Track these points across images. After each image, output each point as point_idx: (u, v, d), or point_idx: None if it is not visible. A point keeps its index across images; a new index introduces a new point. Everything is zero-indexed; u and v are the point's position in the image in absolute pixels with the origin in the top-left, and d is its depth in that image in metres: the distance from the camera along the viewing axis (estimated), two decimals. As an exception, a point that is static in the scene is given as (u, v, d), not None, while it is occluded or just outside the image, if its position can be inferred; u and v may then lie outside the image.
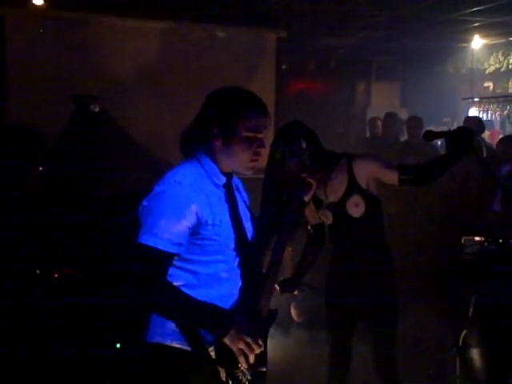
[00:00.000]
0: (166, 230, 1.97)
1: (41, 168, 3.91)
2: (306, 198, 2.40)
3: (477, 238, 3.11)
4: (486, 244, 3.06)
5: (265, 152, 2.18)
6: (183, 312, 2.02)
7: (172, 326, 2.05)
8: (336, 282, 3.19)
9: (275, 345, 4.03)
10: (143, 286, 1.95)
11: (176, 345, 2.06)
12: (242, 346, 1.98)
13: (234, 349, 1.99)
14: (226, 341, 1.99)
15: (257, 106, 2.12)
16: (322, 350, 4.11)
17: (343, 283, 3.13)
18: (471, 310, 2.97)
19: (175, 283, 2.04)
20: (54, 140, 5.52)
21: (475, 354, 3.09)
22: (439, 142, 7.04)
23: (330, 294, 3.22)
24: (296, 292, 3.49)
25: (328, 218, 3.12)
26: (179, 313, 2.03)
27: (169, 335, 2.06)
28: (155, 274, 1.97)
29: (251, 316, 2.07)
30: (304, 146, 2.41)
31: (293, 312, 4.81)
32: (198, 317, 2.03)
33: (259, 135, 2.11)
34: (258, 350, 2.02)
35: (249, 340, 1.98)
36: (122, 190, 4.81)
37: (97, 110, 5.64)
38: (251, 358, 2.01)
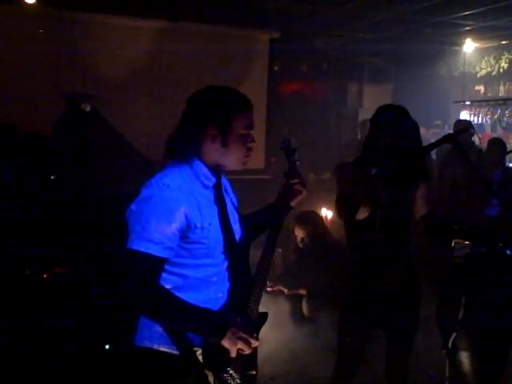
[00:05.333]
0: (157, 234, 1.94)
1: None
2: (293, 204, 2.40)
3: (466, 242, 3.11)
4: (475, 247, 3.06)
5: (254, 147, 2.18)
6: (179, 317, 2.00)
7: (159, 329, 2.03)
8: (357, 294, 3.05)
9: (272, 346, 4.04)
10: (138, 293, 1.93)
11: (163, 349, 2.04)
12: (240, 345, 1.98)
13: (232, 349, 1.98)
14: (225, 343, 1.97)
15: (246, 103, 2.13)
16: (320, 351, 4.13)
17: (364, 295, 3.00)
18: (461, 312, 2.98)
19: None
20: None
21: (465, 356, 3.09)
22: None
23: (349, 309, 3.11)
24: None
25: (363, 210, 2.89)
26: (176, 318, 2.00)
27: (156, 339, 2.05)
28: (150, 280, 1.95)
29: (241, 319, 2.06)
30: (294, 145, 2.38)
31: (304, 307, 4.84)
32: (195, 322, 2.01)
33: (251, 131, 2.13)
34: (255, 344, 2.02)
35: (246, 337, 1.98)
36: (112, 190, 4.79)
37: (88, 109, 5.62)
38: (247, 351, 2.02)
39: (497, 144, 6.37)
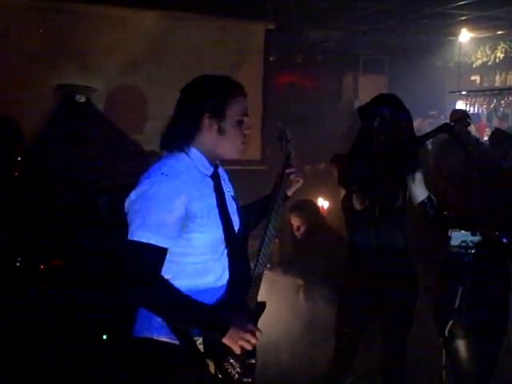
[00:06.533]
0: (159, 224, 1.94)
1: (19, 158, 3.88)
2: (290, 193, 2.41)
3: (463, 231, 3.13)
4: (471, 236, 3.08)
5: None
6: (181, 312, 2.00)
7: (158, 319, 2.02)
8: (354, 284, 3.08)
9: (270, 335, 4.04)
10: (141, 286, 1.92)
11: (164, 339, 2.03)
12: (241, 343, 1.97)
13: (234, 347, 1.97)
14: (225, 341, 1.96)
15: (239, 88, 2.13)
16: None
17: (362, 286, 3.03)
18: (457, 301, 3.00)
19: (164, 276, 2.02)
20: (38, 131, 5.48)
21: (461, 344, 3.11)
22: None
23: (347, 299, 3.14)
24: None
25: (359, 202, 3.00)
26: (177, 312, 2.00)
27: (156, 329, 2.04)
28: (152, 272, 1.95)
29: (239, 308, 2.07)
30: (290, 136, 2.39)
31: (301, 296, 4.85)
32: (197, 317, 2.00)
33: (246, 117, 2.12)
34: (255, 341, 2.01)
35: (247, 337, 1.97)
36: (107, 182, 4.79)
37: (83, 100, 5.60)
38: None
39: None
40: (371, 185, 2.97)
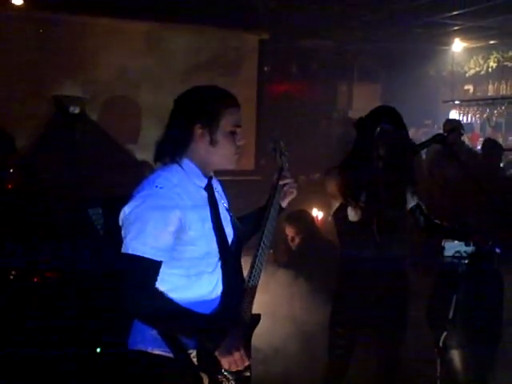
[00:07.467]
0: (153, 237, 1.93)
1: (11, 170, 3.87)
2: (284, 204, 2.41)
3: (456, 241, 3.14)
4: (465, 246, 3.09)
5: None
6: (175, 323, 1.99)
7: (152, 332, 2.01)
8: (348, 295, 3.08)
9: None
10: (136, 299, 1.91)
11: (158, 352, 2.03)
12: (231, 360, 1.96)
13: (224, 362, 1.96)
14: (217, 353, 1.96)
15: (232, 100, 2.13)
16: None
17: (356, 296, 3.03)
18: (451, 311, 3.00)
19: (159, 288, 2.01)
20: (32, 142, 5.47)
21: (456, 355, 3.11)
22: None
23: (340, 309, 3.13)
24: None
25: (360, 214, 2.99)
26: (171, 323, 2.00)
27: (150, 342, 2.03)
28: (148, 285, 1.95)
29: (234, 321, 2.06)
30: (284, 147, 2.39)
31: (295, 306, 4.83)
32: (191, 328, 2.00)
33: (239, 128, 2.12)
34: (244, 365, 2.00)
35: (238, 356, 1.96)
36: (102, 192, 4.78)
37: (77, 111, 5.59)
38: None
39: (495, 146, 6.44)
40: (373, 197, 2.97)
